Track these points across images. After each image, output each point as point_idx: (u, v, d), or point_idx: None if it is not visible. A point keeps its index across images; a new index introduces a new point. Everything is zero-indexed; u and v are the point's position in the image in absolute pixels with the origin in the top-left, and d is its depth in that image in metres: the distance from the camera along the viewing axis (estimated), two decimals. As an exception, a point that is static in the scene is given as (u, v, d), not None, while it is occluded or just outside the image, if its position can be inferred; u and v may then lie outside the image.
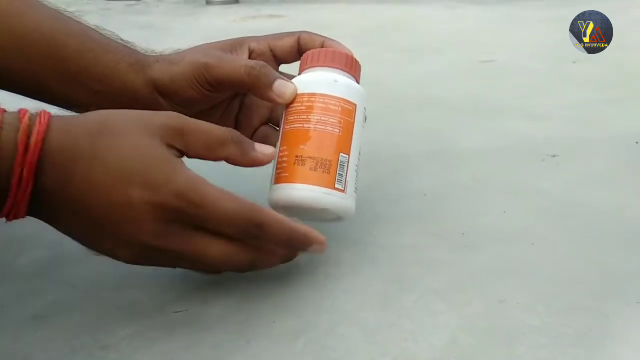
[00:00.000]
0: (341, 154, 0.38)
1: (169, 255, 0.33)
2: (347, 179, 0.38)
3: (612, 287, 0.37)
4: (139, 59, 0.41)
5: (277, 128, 0.42)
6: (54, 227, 0.34)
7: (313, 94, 0.38)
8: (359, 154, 0.39)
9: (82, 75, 0.40)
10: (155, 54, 0.42)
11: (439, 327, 0.34)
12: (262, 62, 0.39)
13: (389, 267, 0.40)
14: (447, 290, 0.37)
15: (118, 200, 0.31)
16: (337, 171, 0.37)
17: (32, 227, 0.34)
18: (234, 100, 0.44)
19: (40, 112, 0.32)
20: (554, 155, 0.58)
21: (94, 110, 0.40)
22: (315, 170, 0.37)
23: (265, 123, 0.45)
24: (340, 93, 0.38)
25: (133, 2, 2.14)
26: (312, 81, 0.39)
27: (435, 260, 0.40)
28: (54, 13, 0.41)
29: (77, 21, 0.42)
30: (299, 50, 0.42)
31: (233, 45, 0.42)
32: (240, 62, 0.39)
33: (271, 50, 0.43)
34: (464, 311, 0.35)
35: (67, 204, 0.32)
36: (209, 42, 0.43)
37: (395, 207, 0.48)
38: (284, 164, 0.37)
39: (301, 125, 0.38)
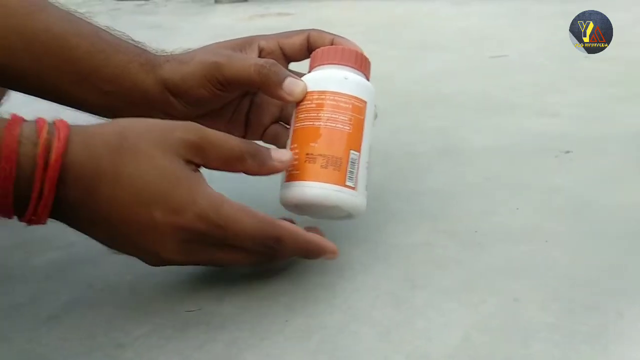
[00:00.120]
0: (352, 151, 0.38)
1: (190, 264, 0.36)
2: (358, 176, 0.38)
3: (627, 285, 0.37)
4: (149, 59, 0.41)
5: (288, 126, 0.42)
6: (75, 229, 0.34)
7: (323, 92, 0.38)
8: (370, 151, 0.39)
9: (93, 76, 0.40)
10: (165, 54, 0.42)
11: (452, 326, 0.33)
12: (271, 61, 0.39)
13: (400, 265, 0.40)
14: (460, 288, 0.37)
15: (141, 220, 0.32)
16: (348, 169, 0.37)
17: (47, 228, 0.34)
18: (245, 99, 0.44)
19: (58, 124, 0.32)
20: (567, 152, 0.57)
21: (105, 104, 0.40)
22: (326, 167, 0.37)
23: (276, 122, 0.45)
24: (350, 90, 0.38)
25: (142, 2, 2.15)
26: (322, 79, 0.39)
27: (447, 258, 0.40)
28: (64, 14, 0.41)
29: (88, 22, 0.42)
30: (309, 48, 0.42)
31: (243, 44, 0.42)
32: (250, 61, 0.39)
33: (281, 48, 0.43)
34: (477, 309, 0.35)
35: (89, 217, 0.33)
36: (218, 41, 0.43)
37: (406, 206, 0.48)
38: (295, 162, 0.37)
39: (312, 123, 0.38)
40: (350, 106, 0.38)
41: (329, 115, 0.38)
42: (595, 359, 0.31)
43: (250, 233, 0.34)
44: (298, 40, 0.43)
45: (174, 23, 1.66)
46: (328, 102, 0.38)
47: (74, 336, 0.34)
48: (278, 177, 0.39)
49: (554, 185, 0.51)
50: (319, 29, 0.43)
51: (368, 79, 0.41)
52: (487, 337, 0.33)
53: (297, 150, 0.38)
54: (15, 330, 0.35)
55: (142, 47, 0.42)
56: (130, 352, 0.32)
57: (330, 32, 0.43)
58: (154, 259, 0.35)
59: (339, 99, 0.38)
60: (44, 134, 0.31)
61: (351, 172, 0.37)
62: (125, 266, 0.36)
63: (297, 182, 0.37)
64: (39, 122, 0.32)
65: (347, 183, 0.37)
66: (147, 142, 0.33)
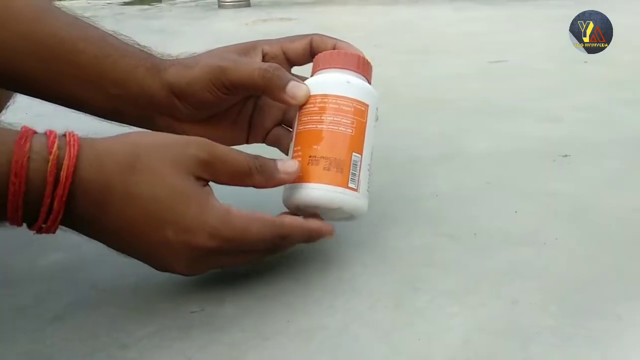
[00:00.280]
0: (354, 153, 0.38)
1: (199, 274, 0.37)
2: (360, 178, 0.38)
3: (626, 288, 0.37)
4: (155, 64, 0.41)
5: (290, 129, 0.42)
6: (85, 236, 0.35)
7: (326, 95, 0.39)
8: (372, 153, 0.40)
9: (99, 80, 0.41)
10: (171, 58, 0.43)
11: (452, 328, 0.34)
12: (275, 65, 0.40)
13: (401, 268, 0.40)
14: (460, 291, 0.37)
15: (153, 238, 0.33)
16: (351, 171, 0.38)
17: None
18: (248, 102, 0.45)
19: (69, 138, 0.32)
20: (565, 155, 0.58)
21: (111, 108, 0.41)
22: (329, 170, 0.37)
23: (279, 124, 0.45)
24: (352, 94, 0.39)
25: (147, 6, 2.16)
26: (325, 82, 0.40)
27: (448, 261, 0.41)
28: (71, 19, 0.42)
29: (95, 27, 0.42)
30: (311, 52, 0.43)
31: (247, 49, 0.43)
32: (254, 65, 0.40)
33: (284, 53, 0.43)
34: (478, 312, 0.35)
35: (99, 229, 0.34)
36: (222, 45, 0.43)
37: (407, 209, 0.48)
38: (299, 159, 0.38)
39: (314, 126, 0.38)
40: (353, 109, 0.39)
41: (332, 118, 0.38)
42: (594, 361, 0.31)
43: (260, 238, 0.35)
44: (301, 45, 0.43)
45: (178, 27, 1.67)
46: (331, 105, 0.38)
47: (78, 337, 0.34)
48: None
49: (554, 189, 0.51)
50: (321, 33, 0.44)
51: (370, 83, 0.41)
52: (487, 339, 0.33)
53: (300, 153, 0.38)
54: (19, 331, 0.35)
55: (148, 51, 0.43)
56: (133, 353, 0.33)
57: (333, 36, 0.44)
58: (163, 269, 0.36)
59: (342, 102, 0.39)
60: (55, 150, 0.31)
61: (353, 174, 0.38)
62: (129, 267, 0.37)
63: (300, 184, 0.38)
64: (49, 135, 0.32)
65: (350, 185, 0.38)
66: (159, 160, 0.33)
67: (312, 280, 0.39)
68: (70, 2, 2.50)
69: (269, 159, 0.37)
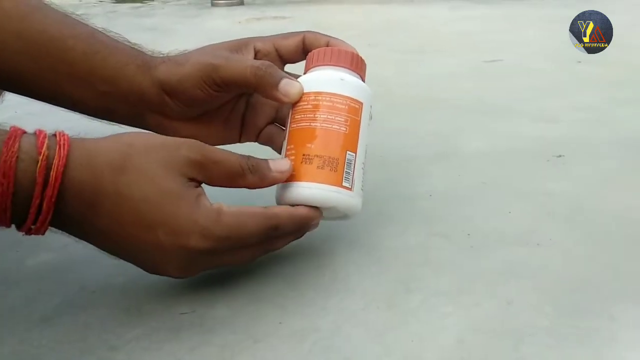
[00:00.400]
0: (348, 152, 0.38)
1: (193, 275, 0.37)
2: (354, 177, 0.38)
3: (620, 288, 0.37)
4: (146, 61, 0.41)
5: (283, 128, 0.42)
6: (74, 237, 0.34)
7: (320, 93, 0.38)
8: (366, 152, 0.39)
9: (89, 77, 0.40)
10: (161, 55, 0.42)
11: (446, 328, 0.33)
12: (267, 62, 0.39)
13: (395, 267, 0.40)
14: (454, 291, 0.37)
15: (145, 240, 0.33)
16: (345, 169, 0.37)
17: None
18: (240, 100, 0.44)
19: (59, 138, 0.32)
20: (559, 156, 0.58)
21: (101, 106, 0.40)
22: (322, 168, 0.37)
23: (271, 123, 0.45)
24: (346, 92, 0.38)
25: (139, 4, 2.15)
26: (318, 80, 0.39)
27: (442, 261, 0.40)
28: (60, 16, 0.41)
29: (84, 23, 0.42)
30: (304, 50, 0.42)
31: (239, 46, 0.42)
32: (247, 62, 0.39)
33: (276, 50, 0.43)
34: (472, 312, 0.35)
35: (89, 230, 0.33)
36: (214, 43, 0.43)
37: (401, 208, 0.48)
38: (291, 159, 0.37)
39: (308, 124, 0.38)
40: (347, 107, 0.38)
41: (325, 116, 0.38)
42: (589, 362, 0.31)
43: (253, 231, 0.34)
44: (294, 42, 0.43)
45: (171, 25, 1.66)
46: (324, 103, 0.38)
47: (67, 338, 0.34)
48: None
49: (549, 189, 0.51)
50: (315, 31, 0.43)
51: (364, 80, 0.41)
52: (480, 339, 0.33)
53: (293, 151, 0.38)
54: (7, 332, 0.34)
55: (139, 48, 0.42)
56: (122, 355, 0.32)
57: (326, 34, 0.43)
58: (154, 271, 0.35)
59: (335, 100, 0.38)
60: (44, 150, 0.31)
61: (347, 173, 0.37)
62: (118, 268, 0.36)
63: (293, 183, 0.37)
64: (39, 135, 0.32)
65: (344, 184, 0.37)
66: (150, 162, 0.33)
67: (305, 280, 0.38)
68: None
69: (261, 158, 0.37)
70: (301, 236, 0.39)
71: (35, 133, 0.32)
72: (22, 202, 0.31)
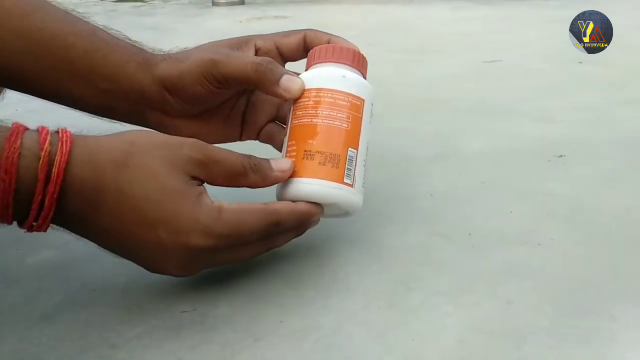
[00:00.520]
0: (350, 148, 0.38)
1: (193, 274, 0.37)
2: (356, 173, 0.38)
3: (620, 288, 0.37)
4: (146, 58, 0.41)
5: (284, 126, 0.42)
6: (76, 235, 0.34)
7: (321, 89, 0.38)
8: (367, 149, 0.39)
9: (90, 75, 0.40)
10: (162, 53, 0.42)
11: (446, 328, 0.33)
12: (268, 59, 0.39)
13: (396, 267, 0.40)
14: (455, 290, 0.37)
15: (146, 238, 0.33)
16: (346, 166, 0.37)
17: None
18: (241, 98, 0.44)
19: (62, 135, 0.32)
20: (560, 156, 0.58)
21: (102, 103, 0.40)
22: (324, 164, 0.37)
23: (272, 121, 0.45)
24: (348, 88, 0.38)
25: (140, 3, 2.15)
26: (320, 76, 0.39)
27: (443, 260, 0.40)
28: (61, 13, 0.41)
29: (85, 21, 0.42)
30: (305, 47, 0.42)
31: (240, 43, 0.42)
32: (248, 58, 0.39)
33: (277, 48, 0.43)
34: (472, 312, 0.35)
35: (91, 228, 0.33)
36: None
37: (402, 208, 0.48)
38: (293, 159, 0.37)
39: (310, 120, 0.38)
40: (348, 104, 0.38)
41: (327, 112, 0.38)
42: (589, 362, 0.31)
43: (253, 229, 0.34)
44: (295, 40, 0.43)
45: (171, 24, 1.66)
46: (326, 99, 0.38)
47: (68, 336, 0.34)
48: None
49: (549, 189, 0.51)
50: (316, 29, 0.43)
51: (365, 78, 0.41)
52: (481, 339, 0.33)
53: (294, 147, 0.38)
54: (8, 330, 0.34)
55: (140, 46, 0.42)
56: (123, 353, 0.32)
57: (327, 32, 0.43)
58: (155, 270, 0.35)
59: (337, 96, 0.38)
60: (47, 146, 0.31)
61: (349, 170, 0.37)
62: (119, 266, 0.36)
63: (295, 179, 0.37)
64: (41, 132, 0.32)
65: (345, 180, 0.37)
66: (153, 160, 0.33)
67: (306, 279, 0.38)
68: (64, -2, 2.48)
69: (263, 158, 0.37)
70: (302, 233, 0.39)
71: (37, 130, 0.32)
72: (24, 198, 0.31)
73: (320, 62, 0.40)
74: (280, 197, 0.38)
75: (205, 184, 0.35)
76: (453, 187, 0.52)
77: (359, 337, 0.33)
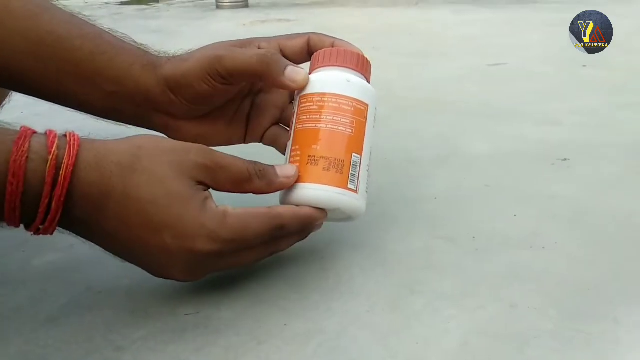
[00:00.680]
0: (354, 154, 0.38)
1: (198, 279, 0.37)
2: (360, 179, 0.38)
3: (624, 292, 0.37)
4: (151, 61, 0.41)
5: (288, 128, 0.42)
6: (82, 238, 0.35)
7: (325, 94, 0.38)
8: (370, 154, 0.39)
9: (95, 77, 0.40)
10: (168, 55, 0.42)
11: (450, 331, 0.34)
12: (272, 50, 0.40)
13: (399, 270, 0.40)
14: (459, 294, 0.37)
15: (152, 243, 0.33)
16: (350, 171, 0.37)
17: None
18: (246, 100, 0.44)
19: (70, 138, 0.32)
20: (565, 159, 0.58)
21: (108, 106, 0.41)
22: (328, 170, 0.37)
23: (276, 123, 0.45)
24: (352, 93, 0.38)
25: (144, 6, 2.16)
26: (324, 81, 0.39)
27: (446, 264, 0.40)
28: (68, 16, 0.41)
29: (91, 24, 0.42)
30: (309, 51, 0.43)
31: (243, 45, 0.42)
32: (252, 51, 0.39)
33: (281, 50, 0.43)
34: (476, 315, 0.35)
35: (97, 232, 0.33)
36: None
37: (405, 211, 0.48)
38: (297, 164, 0.38)
39: (314, 125, 0.38)
40: (352, 109, 0.38)
41: (331, 117, 0.38)
42: (593, 366, 0.31)
43: (257, 233, 0.34)
44: (298, 43, 0.43)
45: (176, 27, 1.67)
46: (330, 104, 0.38)
47: (73, 338, 0.34)
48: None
49: (553, 192, 0.51)
50: (320, 32, 0.43)
51: (369, 82, 0.41)
52: (485, 342, 0.33)
53: (298, 152, 0.38)
54: (14, 332, 0.35)
55: (145, 49, 0.42)
56: (128, 355, 0.32)
57: (331, 35, 0.43)
58: (159, 275, 0.36)
59: (341, 101, 0.38)
60: (54, 150, 0.31)
61: (353, 175, 0.38)
62: (123, 269, 0.36)
63: (299, 184, 0.37)
64: (49, 135, 0.32)
65: (349, 186, 0.37)
66: (160, 164, 0.33)
67: (310, 283, 0.38)
68: (68, 1, 2.50)
69: (268, 164, 0.37)
70: (305, 237, 0.39)
71: (45, 133, 0.32)
72: (31, 201, 0.31)
73: (324, 66, 0.40)
74: (284, 202, 0.38)
75: (210, 189, 0.35)
76: (457, 190, 0.52)
77: (362, 340, 0.33)
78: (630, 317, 0.34)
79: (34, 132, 0.32)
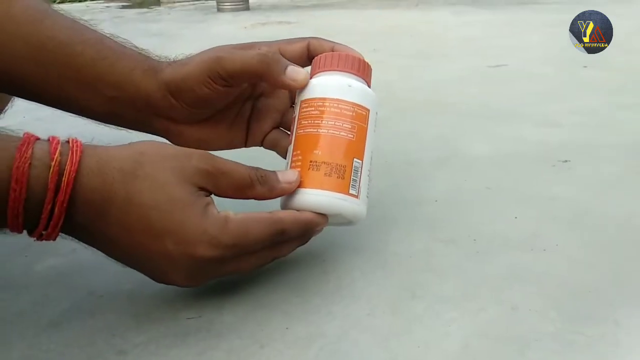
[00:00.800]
0: (355, 159, 0.38)
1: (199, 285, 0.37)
2: (361, 184, 0.38)
3: (624, 294, 0.37)
4: (152, 65, 0.41)
5: (288, 132, 0.42)
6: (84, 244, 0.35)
7: (326, 99, 0.38)
8: (371, 159, 0.39)
9: (97, 82, 0.40)
10: (168, 60, 0.42)
11: (451, 334, 0.34)
12: (273, 51, 0.40)
13: (400, 273, 0.40)
14: (459, 296, 0.37)
15: (153, 248, 0.33)
16: (352, 177, 0.38)
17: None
18: (246, 103, 0.45)
19: (72, 145, 0.32)
20: (565, 161, 0.58)
21: (109, 111, 0.41)
22: (330, 175, 0.37)
23: (277, 127, 0.45)
24: (353, 98, 0.39)
25: (145, 10, 2.16)
26: (325, 85, 0.39)
27: (447, 266, 0.40)
28: (69, 21, 0.42)
29: (93, 29, 0.42)
30: (309, 55, 0.43)
31: (244, 47, 0.42)
32: (252, 52, 0.40)
33: (281, 54, 0.43)
34: (477, 318, 0.35)
35: (99, 237, 0.34)
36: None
37: (406, 213, 0.48)
38: (298, 169, 0.38)
39: (315, 130, 0.38)
40: (353, 114, 0.38)
41: (333, 122, 0.38)
42: (594, 368, 0.31)
43: (258, 238, 0.35)
44: (298, 47, 0.43)
45: (177, 31, 1.67)
46: (331, 109, 0.38)
47: (75, 343, 0.34)
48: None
49: (553, 194, 0.51)
50: (319, 37, 0.44)
51: (369, 86, 0.41)
52: (485, 345, 0.33)
53: (300, 157, 0.38)
54: (16, 336, 0.35)
55: (146, 54, 0.43)
56: (130, 359, 0.33)
57: (332, 40, 0.43)
58: (161, 280, 0.36)
59: (343, 106, 0.38)
60: (57, 156, 0.31)
61: (354, 180, 0.38)
62: (125, 274, 0.36)
63: (301, 189, 0.37)
64: (52, 142, 0.32)
65: (350, 191, 0.37)
66: (162, 170, 0.33)
67: (311, 286, 0.39)
68: (69, 5, 2.50)
69: (270, 170, 0.37)
70: (306, 241, 0.39)
71: (48, 139, 0.32)
72: (34, 207, 0.31)
73: (325, 70, 0.40)
74: (285, 207, 0.38)
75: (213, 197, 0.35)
76: (457, 191, 0.52)
77: (363, 343, 0.33)
78: (631, 320, 0.34)
79: (37, 139, 0.32)
